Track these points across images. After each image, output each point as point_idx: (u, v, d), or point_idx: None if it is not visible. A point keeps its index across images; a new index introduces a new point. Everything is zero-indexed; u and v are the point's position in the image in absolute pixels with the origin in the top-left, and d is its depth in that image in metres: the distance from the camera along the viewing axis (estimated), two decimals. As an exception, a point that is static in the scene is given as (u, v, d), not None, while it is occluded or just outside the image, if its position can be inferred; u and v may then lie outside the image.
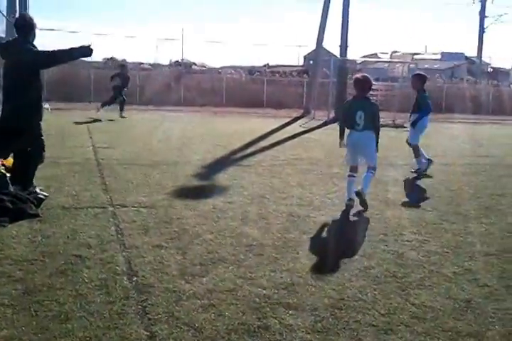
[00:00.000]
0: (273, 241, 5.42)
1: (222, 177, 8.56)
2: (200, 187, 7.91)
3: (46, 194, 6.53)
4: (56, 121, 14.56)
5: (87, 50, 6.41)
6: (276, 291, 4.21)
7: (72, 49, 6.37)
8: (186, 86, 28.98)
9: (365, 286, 4.43)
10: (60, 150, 10.04)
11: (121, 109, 19.12)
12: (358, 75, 7.42)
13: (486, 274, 4.85)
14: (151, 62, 39.52)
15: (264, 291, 4.19)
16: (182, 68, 36.76)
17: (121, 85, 18.83)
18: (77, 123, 16.39)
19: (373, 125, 6.96)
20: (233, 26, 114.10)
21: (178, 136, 13.95)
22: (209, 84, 29.40)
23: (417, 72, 11.73)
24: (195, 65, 49.05)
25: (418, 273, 4.80)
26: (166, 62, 46.01)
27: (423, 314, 3.98)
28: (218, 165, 9.64)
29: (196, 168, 9.33)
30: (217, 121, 19.89)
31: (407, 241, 5.72)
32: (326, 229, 6.03)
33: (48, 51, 6.45)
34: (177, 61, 51.10)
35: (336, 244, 5.51)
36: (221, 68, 43.78)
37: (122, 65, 20.85)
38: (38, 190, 6.48)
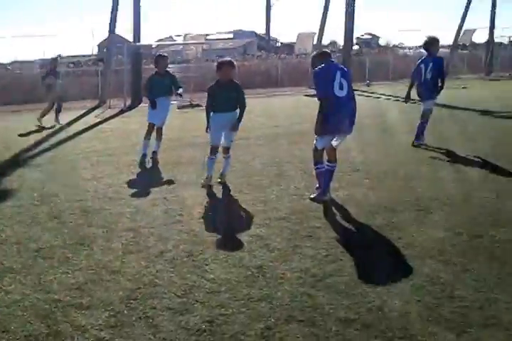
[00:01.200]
0: (64, 241, 5.17)
1: (8, 180, 7.93)
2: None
3: None
4: None
5: None
6: (68, 293, 4.03)
7: None
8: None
9: (162, 270, 4.42)
10: None
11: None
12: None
13: (276, 238, 5.10)
14: None
15: (55, 296, 3.98)
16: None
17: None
18: None
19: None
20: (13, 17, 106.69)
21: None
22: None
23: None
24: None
25: (213, 248, 4.90)
26: None
27: (218, 287, 4.08)
28: (4, 168, 8.91)
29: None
30: (12, 119, 18.45)
31: (203, 217, 5.82)
32: (121, 219, 5.86)
33: None
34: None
35: (133, 232, 5.38)
36: (10, 64, 40.78)
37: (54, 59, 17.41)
38: None
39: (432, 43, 10.07)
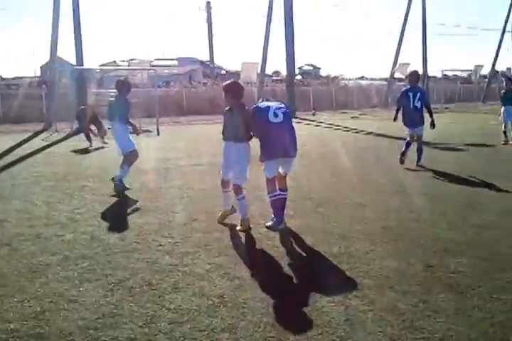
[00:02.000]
0: (18, 269, 5.02)
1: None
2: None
3: None
4: None
5: None
6: (25, 322, 3.91)
7: None
8: None
9: (121, 300, 4.34)
10: None
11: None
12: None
13: (235, 267, 5.10)
14: None
15: (11, 325, 3.86)
16: None
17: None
18: None
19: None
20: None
21: None
22: None
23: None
24: None
25: (172, 277, 4.86)
26: None
27: (180, 317, 4.03)
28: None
29: None
30: None
31: (160, 245, 5.77)
32: (76, 246, 5.74)
33: None
34: None
35: (90, 260, 5.28)
36: None
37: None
38: None
39: (416, 76, 11.49)
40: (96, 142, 16.12)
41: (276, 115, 6.32)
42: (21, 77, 52.05)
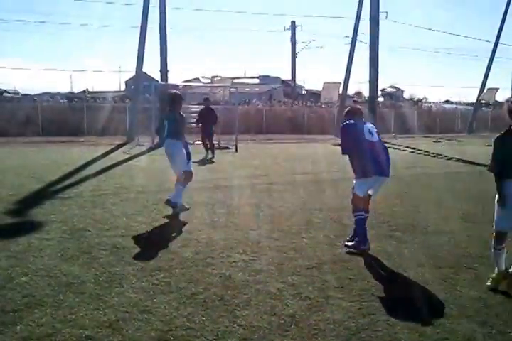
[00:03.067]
0: (95, 277, 5.15)
1: (38, 213, 8.00)
2: (13, 226, 7.27)
3: None
4: None
5: None
6: (99, 330, 3.99)
7: None
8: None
9: (193, 313, 4.37)
10: None
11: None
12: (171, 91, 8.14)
13: (307, 287, 5.03)
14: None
15: (86, 332, 3.95)
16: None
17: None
18: None
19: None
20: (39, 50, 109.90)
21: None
22: (23, 113, 27.69)
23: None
24: (7, 92, 46.23)
25: (245, 293, 4.84)
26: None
27: (251, 334, 4.01)
28: (33, 200, 9.01)
29: (8, 204, 8.63)
30: (32, 151, 18.74)
31: (234, 262, 5.78)
32: (152, 258, 5.84)
33: None
34: (-15, 90, 47.76)
35: (164, 272, 5.36)
36: (37, 95, 41.72)
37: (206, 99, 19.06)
38: None
39: None
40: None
41: (371, 133, 6.36)
42: (105, 91, 54.19)
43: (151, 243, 6.44)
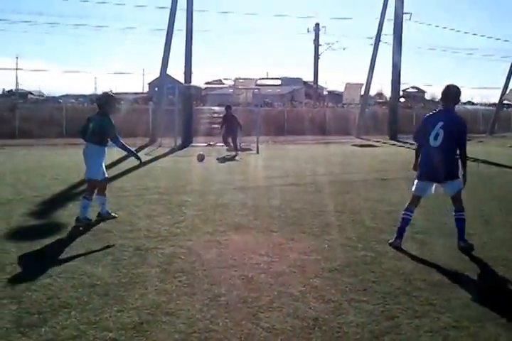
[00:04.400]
0: (119, 279, 5.18)
1: (61, 214, 8.09)
2: (37, 227, 7.35)
3: None
4: None
5: None
6: (123, 332, 4.01)
7: None
8: (22, 117, 27.23)
9: (217, 315, 4.37)
10: None
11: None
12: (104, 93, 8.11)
13: (330, 290, 5.01)
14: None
15: (111, 334, 3.97)
16: (16, 98, 34.84)
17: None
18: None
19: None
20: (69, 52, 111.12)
21: (10, 171, 13.01)
22: (47, 114, 27.98)
23: None
24: (32, 94, 46.91)
25: (267, 295, 4.84)
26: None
27: (274, 337, 4.00)
28: (57, 201, 9.11)
29: (32, 205, 8.73)
30: (56, 153, 18.95)
31: (256, 264, 5.77)
32: (175, 260, 5.86)
33: None
34: (10, 90, 48.50)
35: (187, 274, 5.37)
36: (62, 97, 42.25)
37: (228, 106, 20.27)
38: None
39: None
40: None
41: (437, 136, 6.34)
42: (127, 93, 54.51)
43: (174, 244, 6.46)
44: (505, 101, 41.33)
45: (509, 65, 38.37)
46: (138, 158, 7.91)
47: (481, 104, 59.16)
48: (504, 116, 42.40)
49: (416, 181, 6.63)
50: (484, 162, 17.76)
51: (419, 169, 6.60)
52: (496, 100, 41.40)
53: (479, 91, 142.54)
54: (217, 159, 16.70)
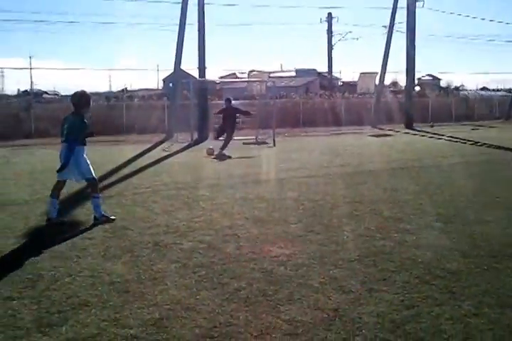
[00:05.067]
0: (139, 275, 5.20)
1: (80, 212, 8.13)
2: (56, 225, 7.36)
3: None
4: None
5: None
6: (144, 329, 4.02)
7: None
8: (37, 116, 27.38)
9: (237, 309, 4.37)
10: None
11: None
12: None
13: (350, 280, 4.99)
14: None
15: (131, 331, 3.98)
16: (31, 97, 35.09)
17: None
18: None
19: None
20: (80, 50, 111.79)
21: (28, 171, 13.07)
22: (63, 113, 28.01)
23: None
24: (47, 93, 47.22)
25: (287, 288, 4.83)
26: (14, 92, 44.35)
27: (294, 329, 3.99)
28: (75, 199, 9.15)
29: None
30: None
31: (275, 256, 5.76)
32: (194, 255, 5.87)
33: None
34: (26, 90, 48.84)
35: (206, 269, 5.38)
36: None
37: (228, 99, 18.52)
38: None
39: None
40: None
41: None
42: (142, 89, 54.60)
43: (192, 239, 6.47)
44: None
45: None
46: (59, 170, 7.58)
47: (498, 90, 58.52)
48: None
49: None
50: (499, 147, 17.59)
51: None
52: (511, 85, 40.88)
53: (495, 76, 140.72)
54: (233, 154, 16.59)
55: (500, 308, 4.31)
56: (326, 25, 51.10)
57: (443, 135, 24.09)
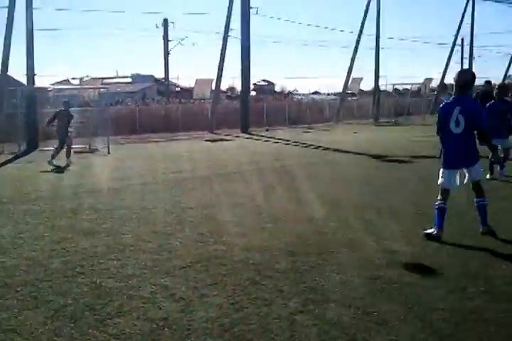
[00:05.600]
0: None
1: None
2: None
3: None
4: None
5: None
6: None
7: None
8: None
9: (61, 327, 4.20)
10: None
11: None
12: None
13: (181, 288, 5.01)
14: None
15: None
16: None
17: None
18: None
19: None
20: None
21: None
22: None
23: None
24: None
25: (116, 300, 4.73)
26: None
27: (122, 343, 3.91)
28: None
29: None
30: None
31: (105, 269, 5.61)
32: (17, 273, 5.51)
33: None
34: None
35: (31, 287, 5.08)
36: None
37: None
38: None
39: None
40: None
41: (458, 123, 6.33)
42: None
43: (16, 256, 6.06)
44: (348, 91, 43.70)
45: (350, 56, 40.57)
46: None
47: (328, 94, 62.41)
48: (348, 104, 44.85)
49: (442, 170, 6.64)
50: (328, 149, 18.76)
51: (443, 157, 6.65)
52: (341, 90, 43.54)
53: (326, 81, 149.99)
54: (68, 164, 15.84)
55: (325, 304, 4.56)
56: (161, 31, 50.99)
57: (277, 138, 25.10)
